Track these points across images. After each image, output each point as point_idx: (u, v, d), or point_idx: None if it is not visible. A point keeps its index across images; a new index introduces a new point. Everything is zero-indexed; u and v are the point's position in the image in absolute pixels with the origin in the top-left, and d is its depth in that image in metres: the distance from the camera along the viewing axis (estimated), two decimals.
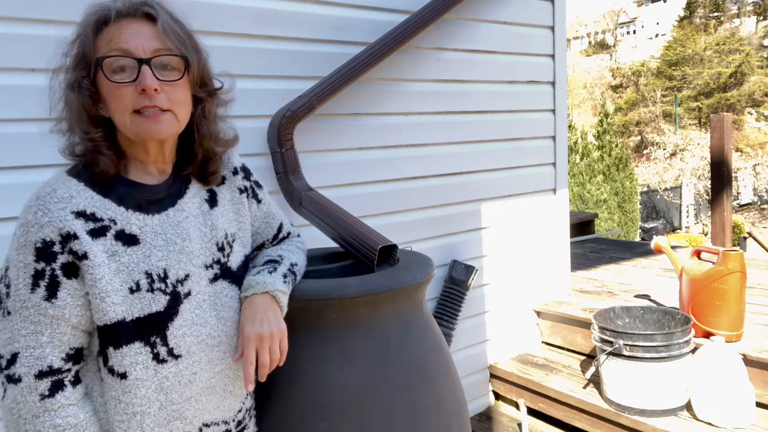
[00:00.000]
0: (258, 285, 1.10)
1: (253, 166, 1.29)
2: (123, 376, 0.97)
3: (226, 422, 1.10)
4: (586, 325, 2.74)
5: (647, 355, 2.15)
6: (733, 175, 11.38)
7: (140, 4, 0.98)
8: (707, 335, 2.33)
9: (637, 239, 11.36)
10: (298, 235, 1.38)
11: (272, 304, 1.10)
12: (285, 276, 1.16)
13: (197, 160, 1.09)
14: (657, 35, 50.04)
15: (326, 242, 1.80)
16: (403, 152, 2.44)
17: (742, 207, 15.85)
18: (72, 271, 0.94)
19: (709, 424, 2.10)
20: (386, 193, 2.41)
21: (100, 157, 0.98)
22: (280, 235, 1.31)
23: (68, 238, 0.92)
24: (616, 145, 11.48)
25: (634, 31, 55.08)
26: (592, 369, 2.35)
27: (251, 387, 1.03)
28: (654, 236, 6.72)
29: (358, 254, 1.57)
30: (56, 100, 1.00)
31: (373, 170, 2.36)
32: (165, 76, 0.97)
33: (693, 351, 2.22)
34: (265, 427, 1.24)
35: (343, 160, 2.27)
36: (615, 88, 33.51)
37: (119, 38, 0.95)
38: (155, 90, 0.95)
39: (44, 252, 0.92)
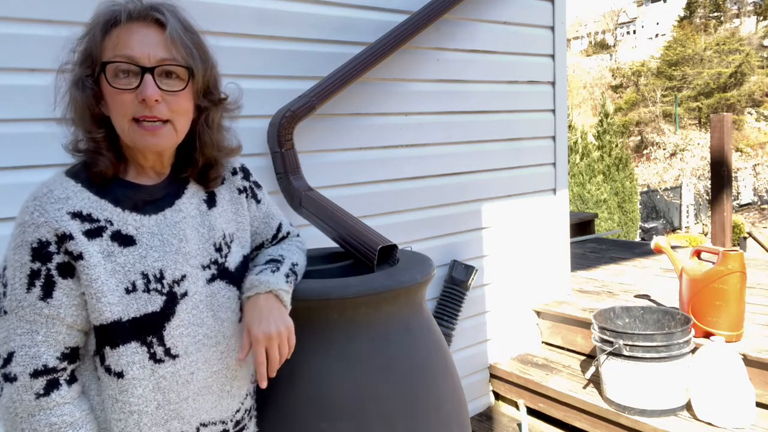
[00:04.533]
0: (261, 284, 1.10)
1: (253, 166, 1.29)
2: (120, 375, 0.97)
3: (224, 422, 1.10)
4: (586, 325, 2.74)
5: (647, 355, 2.15)
6: (733, 175, 11.38)
7: (151, 9, 0.97)
8: (707, 335, 2.33)
9: (637, 239, 11.36)
10: (298, 235, 1.38)
11: (276, 303, 1.10)
12: (287, 276, 1.16)
13: (198, 166, 1.09)
14: (657, 35, 50.05)
15: (326, 242, 1.80)
16: (403, 152, 2.44)
17: (742, 207, 15.86)
18: (68, 271, 0.94)
19: (709, 424, 2.10)
20: (386, 193, 2.41)
21: (99, 157, 0.98)
22: (280, 235, 1.31)
23: (64, 238, 0.92)
24: (616, 145, 11.49)
25: (634, 31, 55.08)
26: (592, 369, 2.35)
27: (264, 384, 1.04)
28: (654, 236, 6.72)
29: (358, 254, 1.57)
30: (61, 96, 1.00)
31: (373, 170, 2.36)
32: (167, 86, 0.97)
33: (693, 351, 2.22)
34: (265, 427, 1.24)
35: (343, 160, 2.27)
36: (615, 88, 33.53)
37: (126, 44, 0.94)
38: (156, 100, 0.94)
39: (40, 252, 0.92)
